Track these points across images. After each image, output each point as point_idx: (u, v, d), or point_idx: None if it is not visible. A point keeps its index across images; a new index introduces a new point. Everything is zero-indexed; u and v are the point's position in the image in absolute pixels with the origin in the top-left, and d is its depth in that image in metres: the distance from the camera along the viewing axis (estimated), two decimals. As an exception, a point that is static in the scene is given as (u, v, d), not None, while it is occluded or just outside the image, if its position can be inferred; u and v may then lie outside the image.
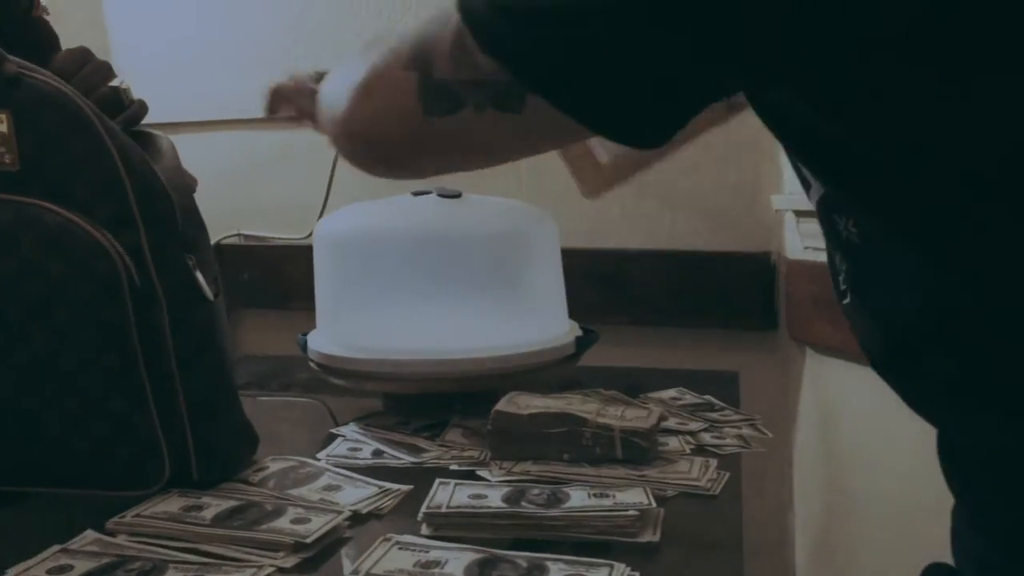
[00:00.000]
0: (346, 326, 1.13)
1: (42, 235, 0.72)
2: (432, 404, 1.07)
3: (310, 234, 1.71)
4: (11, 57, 0.73)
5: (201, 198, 1.83)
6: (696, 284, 1.54)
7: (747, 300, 1.53)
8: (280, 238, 1.78)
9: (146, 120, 1.84)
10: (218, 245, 1.80)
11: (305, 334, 1.23)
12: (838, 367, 1.39)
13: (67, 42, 1.86)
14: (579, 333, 1.14)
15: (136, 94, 1.84)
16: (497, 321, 1.06)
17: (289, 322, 1.81)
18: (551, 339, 1.08)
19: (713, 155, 1.50)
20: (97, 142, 0.74)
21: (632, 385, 1.19)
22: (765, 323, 1.53)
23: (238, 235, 1.81)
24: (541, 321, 1.10)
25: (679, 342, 1.58)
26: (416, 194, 1.16)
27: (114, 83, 0.94)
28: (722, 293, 1.54)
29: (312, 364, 1.16)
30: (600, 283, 1.58)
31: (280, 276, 1.78)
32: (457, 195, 1.10)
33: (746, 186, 1.50)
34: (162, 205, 0.79)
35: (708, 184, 1.52)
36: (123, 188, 0.75)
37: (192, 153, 1.83)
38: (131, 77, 1.85)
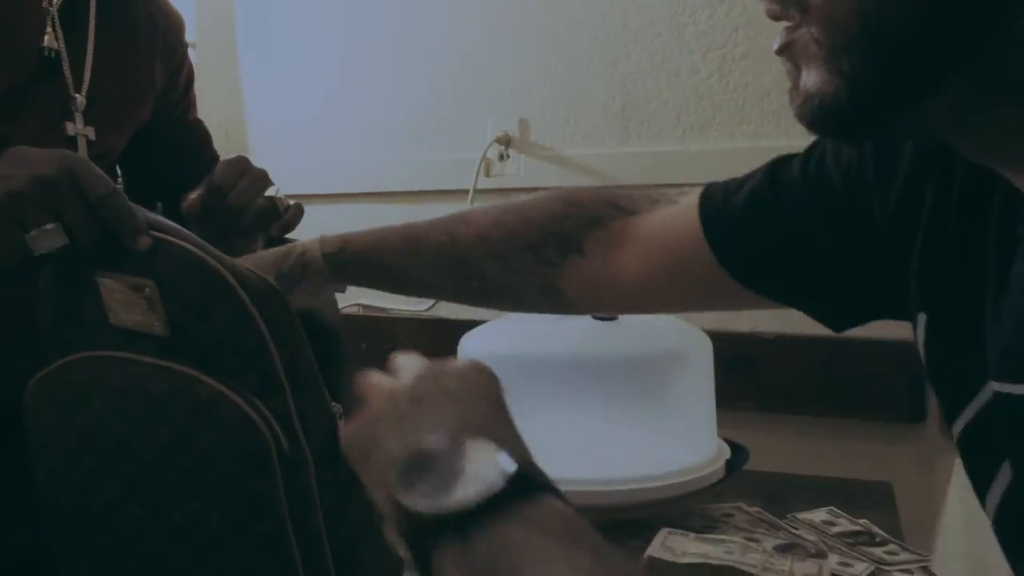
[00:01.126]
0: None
1: (194, 406, 0.69)
2: None
3: (431, 307, 1.71)
4: (150, 230, 0.71)
5: (324, 267, 1.85)
6: (834, 371, 1.44)
7: (890, 389, 1.42)
8: (400, 310, 1.77)
9: (283, 190, 1.90)
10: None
11: None
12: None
13: (206, 113, 1.94)
14: (727, 453, 1.06)
15: (270, 165, 1.90)
16: (648, 445, 0.99)
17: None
18: (702, 463, 1.00)
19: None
20: (241, 311, 0.70)
21: (774, 497, 1.11)
22: (911, 415, 1.41)
23: (358, 305, 1.81)
24: (692, 442, 1.03)
25: (814, 430, 1.47)
26: None
27: (269, 192, 0.94)
28: (863, 381, 1.43)
29: None
30: (731, 367, 1.49)
31: (398, 347, 1.76)
32: (613, 318, 1.05)
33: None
34: (308, 369, 0.75)
35: (852, 265, 1.43)
36: (269, 356, 0.71)
37: (318, 223, 1.87)
38: (265, 148, 1.92)
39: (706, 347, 1.06)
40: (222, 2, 1.92)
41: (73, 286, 0.73)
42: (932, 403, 1.39)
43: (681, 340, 1.05)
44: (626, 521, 0.98)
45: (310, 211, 1.88)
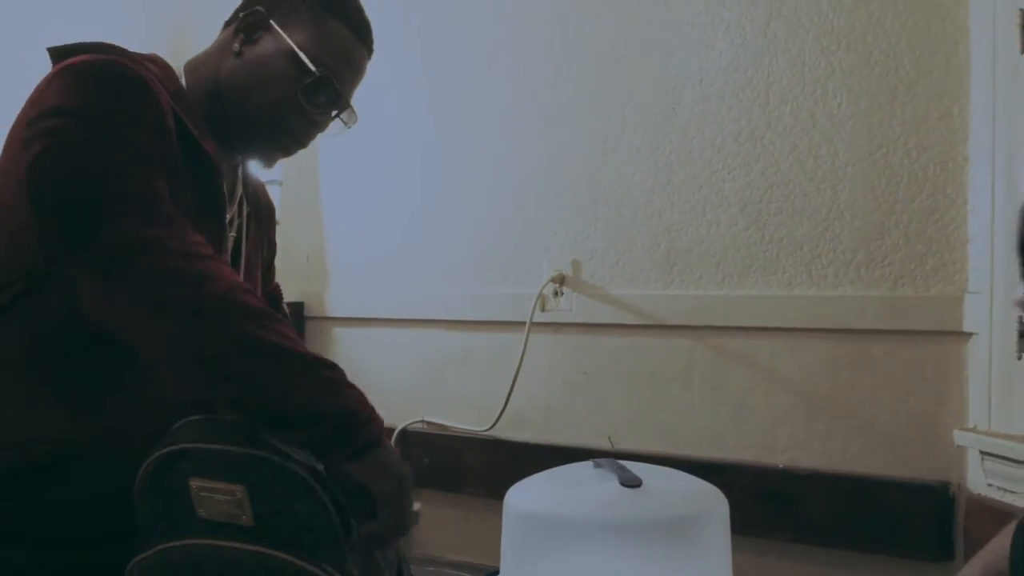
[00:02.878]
0: None
1: None
2: None
3: (491, 427, 1.85)
4: (247, 442, 0.87)
5: (391, 387, 2.01)
6: (866, 508, 1.52)
7: (919, 528, 1.49)
8: (461, 428, 1.91)
9: (354, 314, 2.08)
10: (404, 431, 1.96)
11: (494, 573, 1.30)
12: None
13: (291, 241, 2.14)
14: None
15: (346, 290, 2.09)
16: None
17: (463, 504, 1.93)
18: None
19: (892, 382, 1.53)
20: (317, 503, 0.85)
21: None
22: (939, 555, 1.48)
23: (422, 422, 1.96)
24: None
25: (846, 563, 1.55)
26: (597, 465, 1.25)
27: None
28: (893, 519, 1.51)
29: None
30: (765, 499, 1.59)
31: (457, 462, 1.90)
32: (638, 484, 1.17)
33: (926, 416, 1.50)
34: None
35: (885, 410, 1.53)
36: (338, 537, 0.87)
37: (389, 344, 2.04)
38: (342, 275, 2.10)
39: (723, 506, 1.16)
40: (308, 143, 2.14)
41: (166, 489, 0.88)
42: (959, 543, 1.46)
43: (701, 502, 1.16)
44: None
45: (382, 334, 2.06)
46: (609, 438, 1.76)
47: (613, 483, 1.18)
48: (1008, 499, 1.38)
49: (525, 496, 1.23)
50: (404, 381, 2.01)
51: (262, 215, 1.37)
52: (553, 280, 1.81)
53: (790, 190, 1.61)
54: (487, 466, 1.87)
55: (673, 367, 1.71)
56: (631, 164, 1.75)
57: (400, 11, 2.00)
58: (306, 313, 2.14)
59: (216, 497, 0.85)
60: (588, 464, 1.27)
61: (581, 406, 1.80)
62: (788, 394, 1.61)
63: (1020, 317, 1.37)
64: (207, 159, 1.07)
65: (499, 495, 1.87)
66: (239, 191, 1.23)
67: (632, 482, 1.16)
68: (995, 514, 1.37)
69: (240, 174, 1.24)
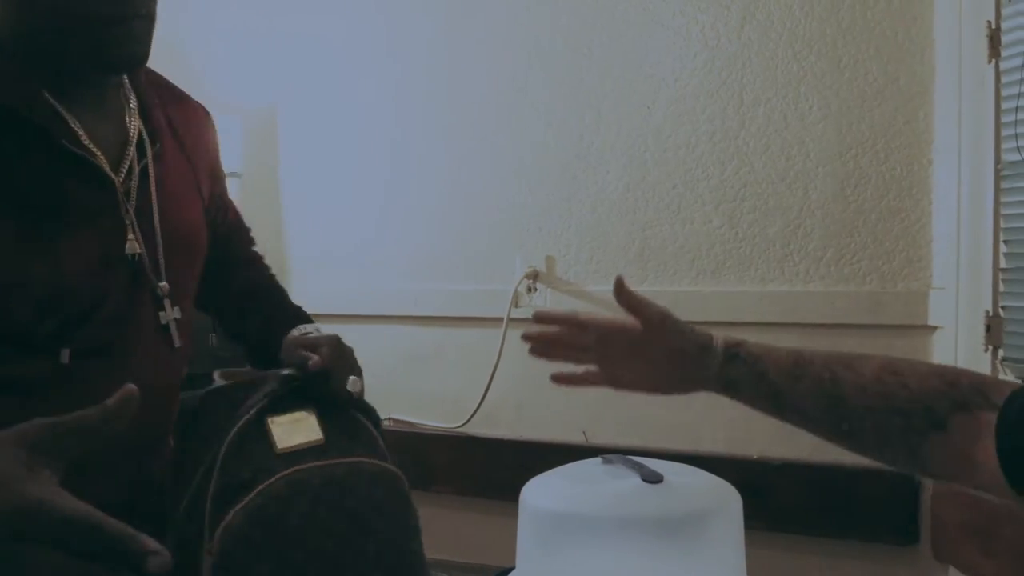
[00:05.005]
0: None
1: (370, 476, 1.03)
2: None
3: (463, 424, 1.84)
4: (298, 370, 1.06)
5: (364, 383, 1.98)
6: (837, 496, 1.59)
7: (888, 515, 1.56)
8: (430, 425, 1.90)
9: (317, 311, 2.03)
10: (371, 429, 1.93)
11: (504, 572, 1.30)
12: (987, 591, 1.41)
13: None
14: None
15: (309, 286, 2.04)
16: None
17: (431, 503, 1.91)
18: None
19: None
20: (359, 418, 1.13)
21: None
22: (905, 539, 1.55)
23: (389, 420, 1.94)
24: None
25: (818, 549, 1.61)
26: (606, 461, 1.26)
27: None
28: (862, 505, 1.58)
29: None
30: (739, 490, 1.63)
31: (426, 460, 1.89)
32: (659, 480, 1.19)
33: (889, 405, 1.57)
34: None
35: (850, 401, 1.59)
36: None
37: (352, 343, 2.00)
38: (304, 271, 2.06)
39: (738, 501, 1.20)
40: (267, 132, 2.09)
41: (248, 440, 0.96)
42: (924, 527, 1.54)
43: (721, 498, 1.19)
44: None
45: (346, 331, 2.02)
46: (584, 433, 1.78)
47: (633, 479, 1.19)
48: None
49: (545, 494, 1.23)
50: (370, 379, 1.97)
51: (187, 145, 1.07)
52: (527, 276, 1.81)
53: (763, 189, 1.66)
54: (457, 464, 1.87)
55: (647, 362, 1.74)
56: (606, 162, 1.77)
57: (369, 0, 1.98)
58: (265, 310, 2.08)
59: (295, 427, 0.99)
60: (597, 461, 1.28)
61: (554, 402, 1.81)
62: (760, 387, 1.66)
63: (987, 311, 1.45)
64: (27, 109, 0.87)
65: (469, 492, 1.88)
66: (132, 127, 0.98)
67: (653, 478, 1.18)
68: (963, 501, 1.45)
69: (127, 104, 0.99)
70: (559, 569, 1.20)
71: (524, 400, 1.83)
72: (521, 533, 1.28)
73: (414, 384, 1.94)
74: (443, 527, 1.90)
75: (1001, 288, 1.43)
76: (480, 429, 1.85)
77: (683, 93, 1.72)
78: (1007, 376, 1.42)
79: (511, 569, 1.33)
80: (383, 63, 1.97)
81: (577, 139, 1.80)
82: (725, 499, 1.21)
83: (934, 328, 1.55)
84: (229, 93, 2.05)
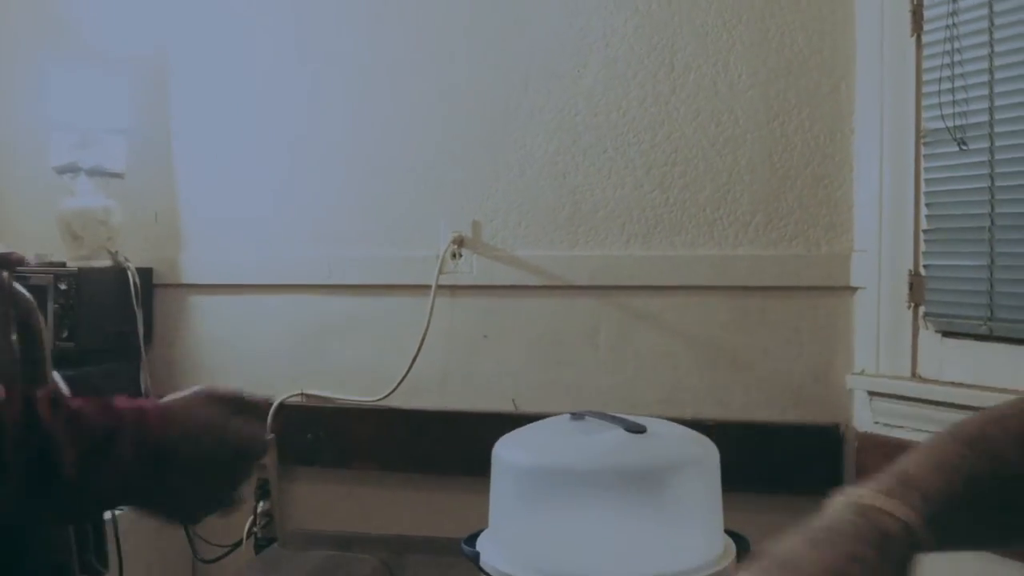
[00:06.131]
0: (530, 548, 1.13)
1: None
2: None
3: (385, 396, 1.76)
4: None
5: (263, 359, 1.85)
6: (766, 453, 1.64)
7: (813, 467, 1.63)
8: (347, 399, 1.79)
9: (215, 280, 1.89)
10: (281, 405, 1.81)
11: (471, 540, 1.23)
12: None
13: (137, 198, 1.90)
14: (731, 543, 1.20)
15: (207, 253, 1.88)
16: (668, 543, 1.11)
17: (351, 480, 1.81)
18: (718, 557, 1.13)
19: (787, 335, 1.64)
20: None
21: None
22: (830, 489, 1.62)
23: (301, 395, 1.82)
24: (707, 538, 1.15)
25: (747, 506, 1.65)
26: (575, 417, 1.23)
27: None
28: (790, 461, 1.64)
29: None
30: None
31: (345, 436, 1.79)
32: (643, 431, 1.17)
33: (818, 365, 1.63)
34: None
35: (781, 361, 1.65)
36: None
37: (256, 315, 1.88)
38: (201, 236, 1.90)
39: (715, 454, 1.20)
40: (156, 85, 1.90)
41: None
42: (849, 477, 1.61)
43: (703, 446, 1.19)
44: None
45: (250, 302, 1.89)
46: (513, 401, 1.74)
47: (614, 431, 1.17)
48: (895, 434, 1.54)
49: (525, 450, 1.18)
50: (278, 352, 1.85)
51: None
52: (453, 241, 1.75)
53: (693, 154, 1.68)
54: (378, 438, 1.78)
55: (578, 327, 1.72)
56: (535, 125, 1.74)
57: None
58: (155, 280, 1.90)
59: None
60: (565, 417, 1.25)
61: (482, 370, 1.76)
62: (691, 350, 1.69)
63: (909, 271, 1.53)
64: None
65: (393, 467, 1.79)
66: None
67: (637, 428, 1.16)
68: (887, 450, 1.53)
69: None
70: (542, 525, 1.15)
71: (450, 370, 1.77)
72: (496, 491, 1.22)
73: (329, 357, 1.83)
74: (366, 503, 1.81)
75: (923, 248, 1.52)
76: (402, 402, 1.77)
77: (614, 57, 1.71)
78: (929, 330, 1.51)
79: (479, 532, 1.27)
80: (292, 8, 1.84)
81: (504, 101, 1.75)
82: (706, 449, 1.21)
83: (855, 289, 1.62)
84: (112, 40, 1.86)
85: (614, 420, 1.21)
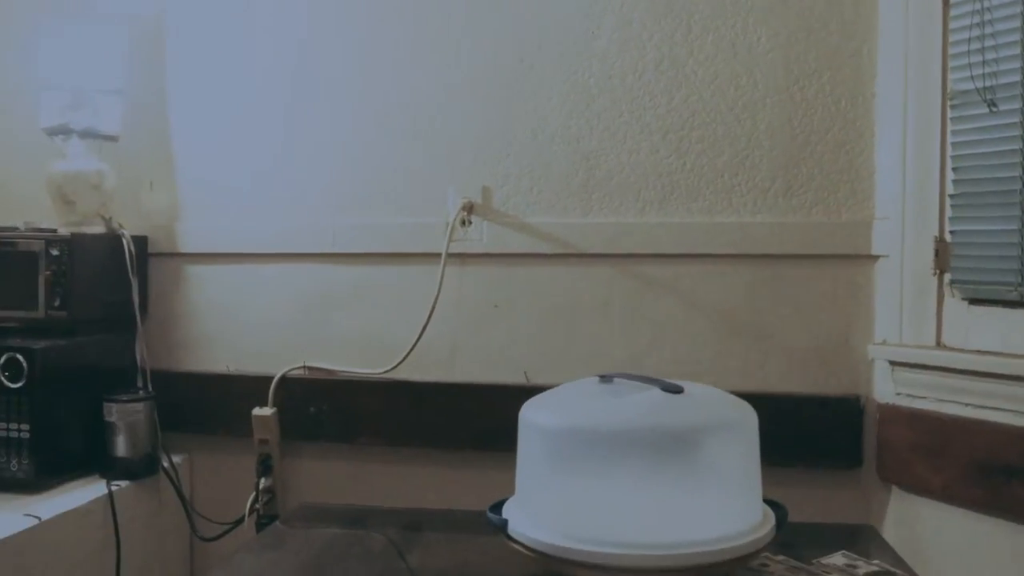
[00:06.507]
0: (561, 514, 1.08)
1: None
2: None
3: (391, 368, 1.71)
4: None
5: (263, 331, 1.80)
6: (784, 425, 1.60)
7: (832, 440, 1.59)
8: (352, 372, 1.74)
9: (212, 249, 1.83)
10: (283, 378, 1.75)
11: (496, 509, 1.18)
12: (929, 507, 1.46)
13: (131, 165, 1.83)
14: (770, 511, 1.16)
15: (206, 224, 1.82)
16: (708, 510, 1.06)
17: (357, 456, 1.76)
18: (756, 525, 1.09)
19: (806, 304, 1.60)
20: None
21: (782, 544, 1.22)
22: (849, 462, 1.59)
23: (304, 368, 1.76)
24: (744, 506, 1.11)
25: (764, 479, 1.61)
26: (604, 380, 1.18)
27: None
28: (809, 434, 1.60)
29: (520, 548, 1.11)
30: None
31: (350, 409, 1.73)
32: (680, 390, 1.12)
33: (837, 334, 1.60)
34: None
35: (800, 331, 1.61)
36: None
37: (256, 285, 1.81)
38: (198, 203, 1.83)
39: (753, 418, 1.15)
40: (153, 43, 1.83)
41: None
42: (868, 450, 1.58)
43: (741, 408, 1.14)
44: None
45: (249, 271, 1.83)
46: (525, 373, 1.69)
47: (649, 392, 1.12)
48: (918, 405, 1.50)
49: (554, 411, 1.13)
50: (280, 323, 1.79)
51: None
52: (462, 208, 1.69)
53: (711, 119, 1.64)
54: (385, 412, 1.72)
55: (591, 297, 1.68)
56: (548, 87, 1.69)
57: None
58: (151, 249, 1.83)
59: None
60: (592, 380, 1.20)
61: (492, 341, 1.71)
62: (708, 319, 1.64)
63: (935, 237, 1.50)
64: None
65: (399, 441, 1.74)
66: None
67: (674, 388, 1.12)
68: (910, 422, 1.49)
69: None
70: (572, 490, 1.10)
71: (459, 341, 1.72)
72: (523, 456, 1.17)
73: (332, 328, 1.77)
74: (372, 479, 1.76)
75: (949, 213, 1.48)
76: (409, 374, 1.71)
77: (629, 18, 1.66)
78: (955, 298, 1.47)
79: (502, 501, 1.22)
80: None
81: (516, 62, 1.70)
82: (745, 413, 1.17)
83: (877, 257, 1.58)
84: (106, -3, 1.78)
85: (648, 381, 1.16)
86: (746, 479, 1.12)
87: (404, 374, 1.71)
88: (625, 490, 1.05)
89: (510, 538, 1.10)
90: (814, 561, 1.19)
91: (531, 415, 1.13)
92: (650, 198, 1.66)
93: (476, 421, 1.68)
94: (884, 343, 1.57)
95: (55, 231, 1.67)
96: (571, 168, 1.68)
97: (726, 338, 1.64)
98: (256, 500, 1.73)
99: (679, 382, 1.15)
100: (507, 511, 1.15)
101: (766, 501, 1.19)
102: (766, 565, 1.17)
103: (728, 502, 1.08)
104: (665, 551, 1.01)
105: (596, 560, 1.01)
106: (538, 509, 1.09)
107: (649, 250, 1.65)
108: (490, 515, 1.14)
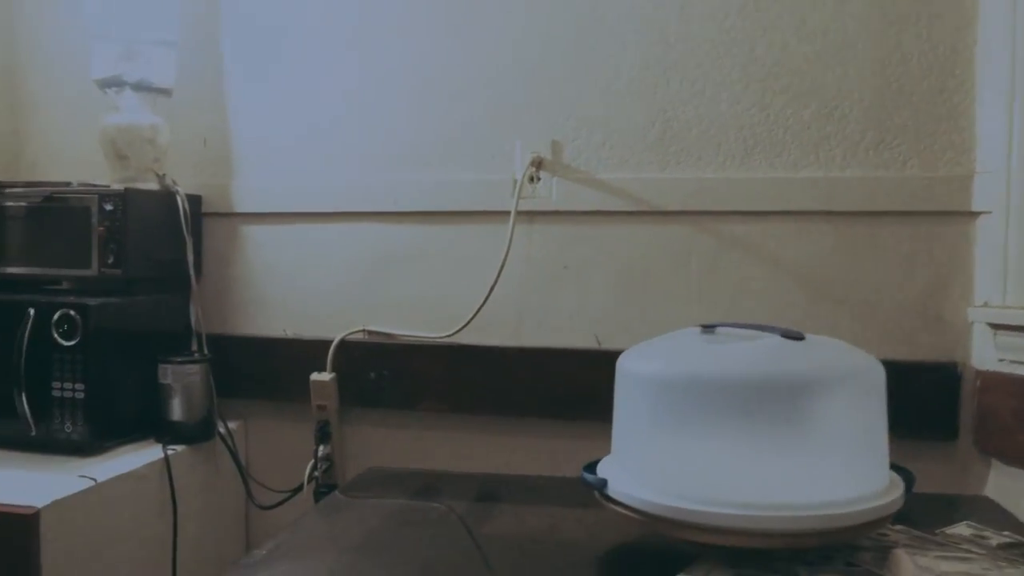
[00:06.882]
0: (665, 473, 0.99)
1: None
2: (771, 557, 0.96)
3: (455, 332, 1.63)
4: None
5: (321, 293, 1.73)
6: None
7: (926, 410, 1.49)
8: (414, 336, 1.66)
9: (269, 208, 1.76)
10: (342, 342, 1.68)
11: (592, 465, 1.10)
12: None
13: (184, 122, 1.77)
14: (896, 476, 1.07)
15: (263, 183, 1.75)
16: (832, 469, 0.97)
17: (419, 423, 1.69)
18: (882, 490, 1.00)
19: (899, 264, 1.51)
20: None
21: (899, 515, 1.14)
22: (944, 434, 1.49)
23: (363, 331, 1.69)
24: (868, 469, 1.01)
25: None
26: (706, 330, 1.09)
27: None
28: (900, 402, 1.50)
29: (621, 509, 1.02)
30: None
31: (411, 375, 1.66)
32: (801, 337, 1.02)
33: (933, 297, 1.50)
34: None
35: (892, 293, 1.51)
36: None
37: (314, 245, 1.74)
38: (253, 161, 1.76)
39: (880, 371, 1.06)
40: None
41: None
42: (965, 419, 1.48)
43: (866, 359, 1.05)
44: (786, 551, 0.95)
45: (307, 231, 1.76)
46: (596, 337, 1.61)
47: (764, 340, 1.03)
48: (1021, 371, 1.40)
49: (658, 360, 1.04)
50: (338, 286, 1.72)
51: None
52: (531, 163, 1.61)
53: (797, 68, 1.54)
54: (448, 377, 1.65)
55: (668, 256, 1.59)
56: (622, 35, 1.59)
57: None
58: (205, 209, 1.76)
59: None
60: (694, 330, 1.12)
61: (562, 304, 1.62)
62: (792, 280, 1.55)
63: (1046, 190, 1.39)
64: None
65: (463, 408, 1.66)
66: None
67: (794, 335, 1.03)
68: (1013, 389, 1.39)
69: None
70: (678, 447, 1.01)
71: (526, 304, 1.63)
72: (622, 410, 1.07)
73: (393, 291, 1.69)
74: (434, 446, 1.69)
75: (1061, 166, 1.38)
76: (474, 338, 1.64)
77: (710, -39, 1.56)
78: (1068, 256, 1.37)
79: (596, 462, 1.14)
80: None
81: (588, 10, 1.60)
82: (871, 365, 1.07)
83: (978, 214, 1.48)
84: (158, -56, 1.71)
85: (760, 329, 1.07)
86: (873, 438, 1.03)
87: (468, 338, 1.63)
88: (741, 445, 0.96)
89: (609, 499, 1.02)
90: (937, 531, 1.10)
91: (633, 365, 1.05)
92: (731, 152, 1.56)
93: (544, 387, 1.60)
94: (985, 305, 1.47)
95: (107, 187, 1.61)
96: (646, 121, 1.59)
97: (812, 300, 1.54)
98: (315, 468, 1.67)
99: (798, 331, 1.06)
100: (602, 471, 1.07)
101: (895, 468, 1.10)
102: (885, 534, 1.08)
103: (854, 462, 0.99)
104: (790, 513, 0.92)
105: (712, 522, 0.93)
106: (641, 468, 1.01)
107: (730, 207, 1.56)
108: (585, 475, 1.06)
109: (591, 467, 1.10)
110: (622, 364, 1.07)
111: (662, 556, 1.04)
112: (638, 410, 1.02)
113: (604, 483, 1.02)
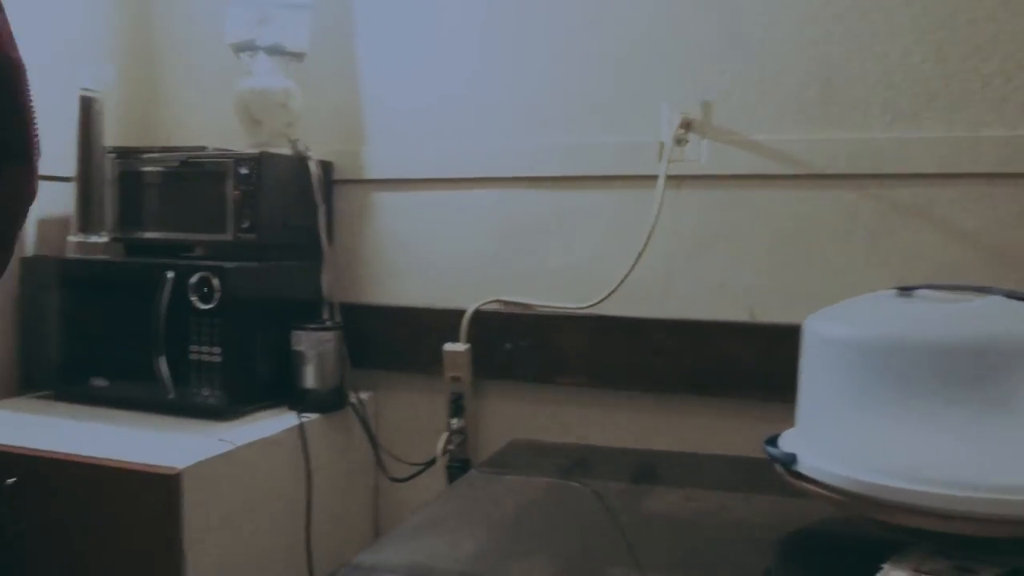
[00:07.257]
0: (861, 448, 0.89)
1: None
2: (996, 549, 0.85)
3: (596, 303, 1.55)
4: None
5: (454, 262, 1.67)
6: None
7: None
8: (552, 306, 1.59)
9: (401, 175, 1.71)
10: (476, 312, 1.62)
11: (772, 440, 1.01)
12: None
13: (315, 89, 1.74)
14: None
15: (396, 150, 1.71)
16: None
17: (556, 397, 1.62)
18: None
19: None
20: None
21: None
22: None
23: (498, 302, 1.62)
24: None
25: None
26: (903, 293, 0.98)
27: None
28: None
29: (813, 487, 0.93)
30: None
31: (549, 347, 1.59)
32: None
33: None
34: None
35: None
36: None
37: (446, 212, 1.69)
38: (385, 128, 1.72)
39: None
40: (336, -38, 1.72)
41: None
42: None
43: None
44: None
45: (439, 199, 1.71)
46: (750, 310, 1.51)
47: (985, 300, 0.92)
48: None
49: (854, 323, 0.94)
50: (471, 254, 1.66)
51: None
52: (680, 125, 1.51)
53: (979, 15, 1.40)
54: (589, 350, 1.57)
55: (829, 223, 1.47)
56: (780, -14, 1.49)
57: None
58: (336, 176, 1.73)
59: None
60: (889, 293, 1.01)
61: (711, 274, 1.53)
62: (970, 250, 1.41)
63: None
64: None
65: (605, 383, 1.58)
66: None
67: (1021, 295, 0.92)
68: None
69: None
70: (892, 416, 0.89)
71: (673, 272, 1.54)
72: (810, 378, 0.97)
73: (528, 260, 1.62)
74: (572, 422, 1.61)
75: None
76: (616, 309, 1.55)
77: (880, -98, 1.44)
78: None
79: (776, 436, 1.05)
80: None
81: (744, -41, 1.50)
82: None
83: None
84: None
85: (973, 291, 0.96)
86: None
87: (610, 309, 1.55)
88: (959, 417, 0.85)
89: (798, 476, 0.93)
90: None
91: (825, 328, 0.95)
92: (901, 109, 1.44)
93: (693, 362, 1.51)
94: None
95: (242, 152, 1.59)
96: (806, 76, 1.47)
97: (990, 272, 1.40)
98: (448, 441, 1.61)
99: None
100: (787, 445, 0.97)
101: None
102: None
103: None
104: (1022, 497, 0.81)
105: (929, 504, 0.82)
106: (838, 442, 0.91)
107: (899, 169, 1.43)
108: (769, 449, 0.97)
109: (772, 440, 1.00)
110: (812, 327, 0.97)
111: (856, 543, 0.93)
112: (833, 378, 0.92)
113: (793, 458, 0.93)
